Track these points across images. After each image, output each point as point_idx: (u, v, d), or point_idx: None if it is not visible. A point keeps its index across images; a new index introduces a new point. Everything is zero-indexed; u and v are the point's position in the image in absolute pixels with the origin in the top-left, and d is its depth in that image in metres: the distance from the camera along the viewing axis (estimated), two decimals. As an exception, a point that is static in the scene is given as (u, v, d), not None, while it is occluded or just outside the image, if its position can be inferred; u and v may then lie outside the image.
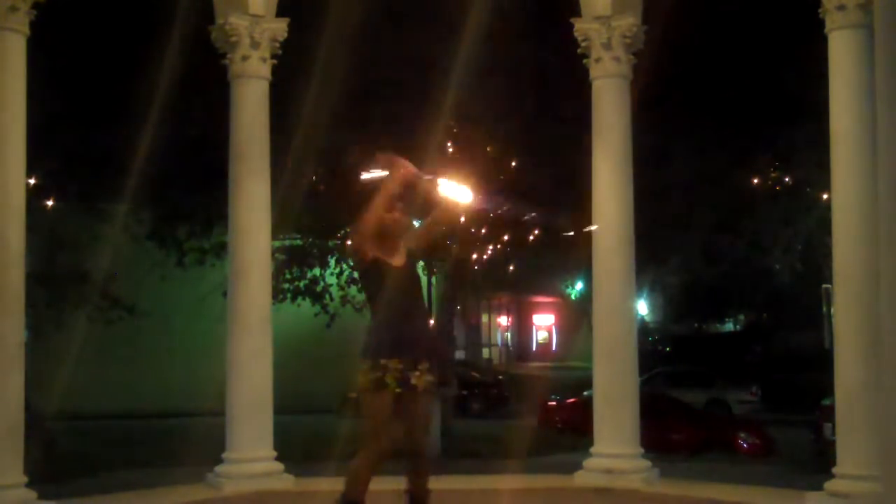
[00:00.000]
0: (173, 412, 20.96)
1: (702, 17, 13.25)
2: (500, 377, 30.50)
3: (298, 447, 12.27)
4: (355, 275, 18.95)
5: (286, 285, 17.71)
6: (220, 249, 16.36)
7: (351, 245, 5.84)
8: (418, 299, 5.94)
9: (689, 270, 24.53)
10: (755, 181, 18.40)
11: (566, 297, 40.15)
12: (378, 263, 5.73)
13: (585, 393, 17.36)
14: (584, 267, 16.64)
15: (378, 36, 13.11)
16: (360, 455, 5.71)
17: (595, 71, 8.98)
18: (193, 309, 20.85)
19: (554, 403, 21.86)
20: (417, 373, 5.68)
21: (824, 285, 22.32)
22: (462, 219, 6.01)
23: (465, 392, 23.96)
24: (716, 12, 13.88)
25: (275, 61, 8.90)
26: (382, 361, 5.61)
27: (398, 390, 5.62)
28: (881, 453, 6.14)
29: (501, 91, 14.43)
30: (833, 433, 8.01)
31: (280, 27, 8.88)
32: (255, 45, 8.75)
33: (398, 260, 5.76)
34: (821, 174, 13.66)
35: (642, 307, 39.54)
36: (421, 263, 20.03)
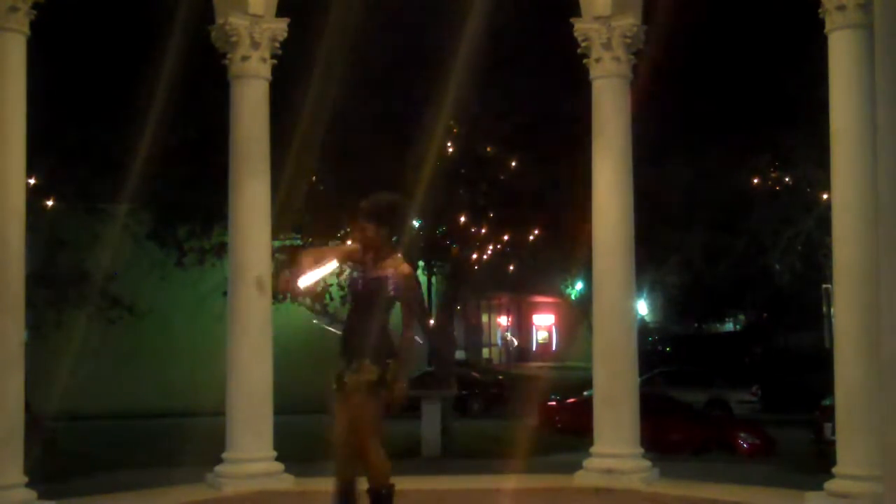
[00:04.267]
0: (173, 412, 20.96)
1: (702, 17, 13.26)
2: (500, 377, 30.49)
3: (298, 447, 12.25)
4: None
5: (286, 285, 17.68)
6: (220, 249, 16.35)
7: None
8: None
9: (689, 270, 24.51)
10: (755, 181, 18.41)
11: (566, 297, 40.13)
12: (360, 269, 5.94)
13: (585, 393, 17.35)
14: (584, 267, 16.63)
15: (378, 35, 13.11)
16: (372, 448, 5.79)
17: (595, 71, 8.99)
18: (193, 309, 20.85)
19: (554, 403, 21.85)
20: (349, 373, 5.91)
21: (824, 285, 22.37)
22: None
23: (465, 392, 23.95)
24: (715, 12, 13.89)
25: (275, 61, 8.90)
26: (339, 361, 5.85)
27: (334, 387, 5.94)
28: (881, 453, 6.14)
29: (501, 91, 14.43)
30: (833, 433, 8.02)
31: (280, 27, 8.88)
32: (255, 45, 8.74)
33: (373, 272, 5.99)
34: (821, 174, 13.67)
35: (642, 307, 39.53)
36: (421, 264, 19.98)
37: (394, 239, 6.10)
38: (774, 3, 13.36)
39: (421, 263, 19.15)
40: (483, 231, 17.14)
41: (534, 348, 48.03)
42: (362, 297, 6.01)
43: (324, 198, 16.07)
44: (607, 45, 8.87)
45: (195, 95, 12.84)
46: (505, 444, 14.48)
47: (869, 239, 6.98)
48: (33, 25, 7.45)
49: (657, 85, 11.60)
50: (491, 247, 17.93)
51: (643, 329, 32.58)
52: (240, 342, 8.69)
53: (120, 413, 21.48)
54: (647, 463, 8.83)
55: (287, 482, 8.68)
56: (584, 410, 11.97)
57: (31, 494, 7.30)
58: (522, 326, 48.49)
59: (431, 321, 18.10)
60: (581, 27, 9.01)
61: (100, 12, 13.44)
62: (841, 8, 7.51)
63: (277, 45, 8.89)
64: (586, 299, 26.88)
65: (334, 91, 11.77)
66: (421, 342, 16.49)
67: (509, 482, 9.17)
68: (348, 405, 5.80)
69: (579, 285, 35.04)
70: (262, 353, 8.74)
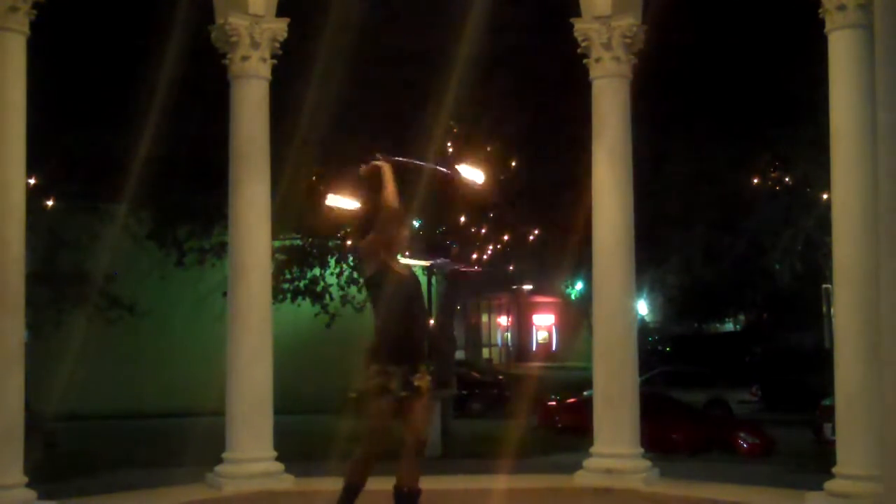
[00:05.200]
0: (173, 412, 20.96)
1: (702, 16, 13.26)
2: (500, 377, 30.50)
3: (298, 447, 12.27)
4: (355, 275, 18.99)
5: (286, 285, 17.72)
6: (220, 249, 16.36)
7: (365, 251, 6.05)
8: (422, 304, 6.12)
9: (689, 270, 24.53)
10: (755, 181, 18.41)
11: (566, 297, 40.16)
12: (387, 269, 5.91)
13: (585, 393, 17.36)
14: (584, 267, 16.62)
15: (378, 35, 13.11)
16: (356, 450, 5.88)
17: (595, 71, 8.98)
18: (193, 309, 20.86)
19: (554, 403, 21.85)
20: (419, 375, 5.84)
21: (824, 285, 22.33)
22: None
23: (465, 392, 23.94)
24: (716, 12, 13.88)
25: (275, 61, 8.90)
26: (390, 368, 5.79)
27: (403, 394, 5.83)
28: (881, 453, 6.15)
29: (501, 90, 14.44)
30: (833, 433, 8.02)
31: (280, 27, 8.87)
32: (255, 45, 8.74)
33: (401, 268, 5.95)
34: (821, 174, 13.67)
35: (642, 307, 39.51)
36: (422, 263, 19.99)
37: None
38: (774, 4, 13.35)
39: (422, 263, 19.16)
40: (483, 231, 17.14)
41: (534, 348, 48.05)
42: (410, 298, 6.06)
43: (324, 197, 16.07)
44: (607, 45, 8.86)
45: (195, 95, 12.84)
46: (505, 445, 14.50)
47: (869, 239, 6.98)
48: (33, 25, 7.45)
49: (657, 85, 11.60)
50: (491, 247, 17.93)
51: (643, 329, 32.58)
52: (240, 342, 8.68)
53: (120, 413, 21.48)
54: (647, 463, 8.82)
55: (287, 482, 8.68)
56: (584, 410, 11.99)
57: (31, 494, 7.30)
58: (522, 326, 48.51)
59: (431, 321, 18.10)
60: (581, 27, 9.00)
61: (100, 12, 13.44)
62: (841, 8, 7.50)
63: (277, 45, 8.89)
64: (586, 299, 26.90)
65: (334, 92, 11.78)
66: None
67: (509, 482, 9.17)
68: (418, 408, 5.85)
69: (579, 285, 35.08)
70: (262, 353, 8.73)
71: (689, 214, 17.97)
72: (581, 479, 8.75)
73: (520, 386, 27.07)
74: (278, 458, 8.80)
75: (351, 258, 18.71)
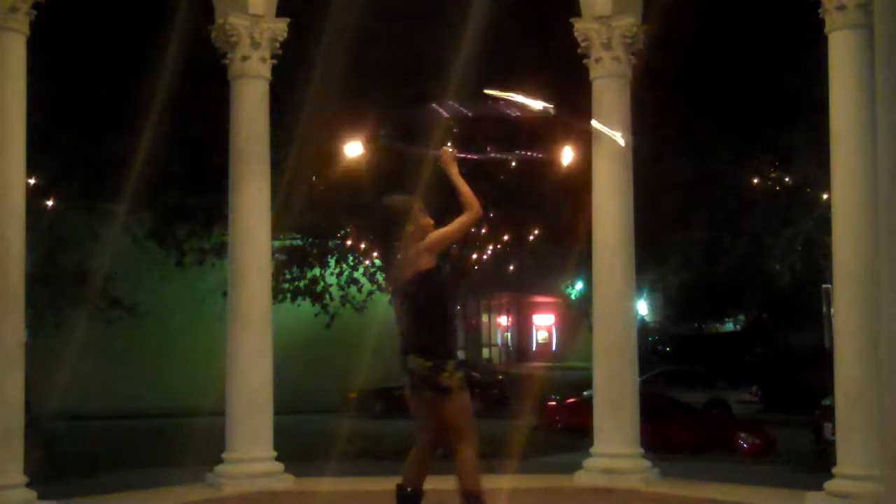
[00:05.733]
0: (173, 412, 20.96)
1: (702, 17, 13.26)
2: (500, 377, 30.51)
3: (298, 447, 12.28)
4: (355, 275, 18.99)
5: (286, 285, 17.73)
6: (220, 249, 16.37)
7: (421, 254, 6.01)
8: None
9: (689, 270, 24.54)
10: (755, 181, 18.42)
11: (566, 297, 40.17)
12: (438, 266, 5.96)
13: (585, 393, 17.35)
14: (584, 267, 16.60)
15: (377, 36, 13.12)
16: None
17: (595, 71, 8.98)
18: (193, 309, 20.88)
19: (554, 403, 21.85)
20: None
21: (824, 285, 22.36)
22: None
23: (464, 392, 23.87)
24: (716, 12, 13.89)
25: (275, 61, 8.90)
26: (454, 362, 5.84)
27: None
28: (881, 453, 6.14)
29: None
30: (833, 433, 8.01)
31: (280, 27, 8.87)
32: (255, 45, 8.74)
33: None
34: (821, 174, 13.68)
35: (642, 307, 39.53)
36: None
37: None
38: (774, 3, 13.35)
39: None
40: (483, 231, 17.14)
41: (534, 348, 48.06)
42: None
43: (324, 198, 16.06)
44: (607, 45, 8.86)
45: (195, 95, 12.84)
46: (505, 444, 14.50)
47: (869, 239, 6.98)
48: (33, 25, 7.45)
49: (657, 85, 11.60)
50: (491, 247, 17.94)
51: (643, 329, 32.64)
52: (240, 342, 8.68)
53: (120, 413, 21.48)
54: (647, 463, 8.82)
55: (287, 482, 8.67)
56: (584, 410, 11.98)
57: (31, 494, 7.30)
58: (522, 326, 48.52)
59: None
60: (581, 27, 9.00)
61: (100, 12, 13.44)
62: (841, 8, 7.50)
63: (277, 45, 8.89)
64: (586, 299, 26.92)
65: (334, 92, 11.78)
66: None
67: (509, 482, 9.15)
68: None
69: (579, 285, 35.10)
70: (262, 353, 8.73)
71: (690, 214, 17.96)
72: (581, 479, 8.75)
73: (520, 386, 27.09)
74: (278, 458, 8.80)
75: (350, 258, 18.71)
